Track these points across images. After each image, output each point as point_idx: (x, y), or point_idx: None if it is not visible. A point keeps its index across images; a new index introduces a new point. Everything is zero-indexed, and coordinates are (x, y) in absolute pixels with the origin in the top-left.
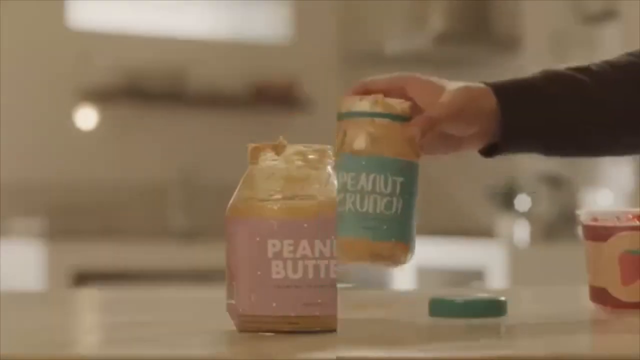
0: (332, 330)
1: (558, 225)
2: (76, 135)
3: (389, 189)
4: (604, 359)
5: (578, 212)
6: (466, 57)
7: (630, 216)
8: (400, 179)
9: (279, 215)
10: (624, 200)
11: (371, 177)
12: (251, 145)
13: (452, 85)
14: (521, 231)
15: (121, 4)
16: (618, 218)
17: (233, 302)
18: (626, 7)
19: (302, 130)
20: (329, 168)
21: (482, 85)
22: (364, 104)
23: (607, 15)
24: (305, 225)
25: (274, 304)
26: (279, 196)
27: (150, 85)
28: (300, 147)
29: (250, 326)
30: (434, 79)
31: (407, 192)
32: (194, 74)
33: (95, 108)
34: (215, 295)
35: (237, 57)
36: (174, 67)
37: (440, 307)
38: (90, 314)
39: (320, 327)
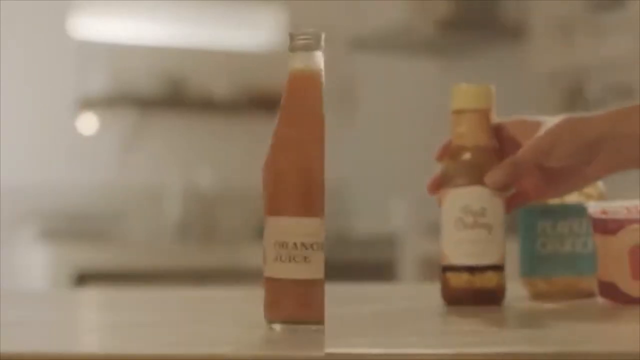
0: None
1: None
2: (77, 141)
3: None
4: (605, 357)
5: (587, 205)
6: (471, 43)
7: None
8: None
9: None
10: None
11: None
12: None
13: (549, 120)
14: None
15: (121, 14)
16: (628, 210)
17: None
18: None
19: None
20: None
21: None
22: None
23: (615, 2)
24: None
25: None
26: None
27: (148, 93)
28: None
29: None
30: (529, 117)
31: None
32: (191, 82)
33: (95, 115)
34: (216, 295)
35: (232, 65)
36: (172, 75)
37: None
38: (91, 313)
39: None
